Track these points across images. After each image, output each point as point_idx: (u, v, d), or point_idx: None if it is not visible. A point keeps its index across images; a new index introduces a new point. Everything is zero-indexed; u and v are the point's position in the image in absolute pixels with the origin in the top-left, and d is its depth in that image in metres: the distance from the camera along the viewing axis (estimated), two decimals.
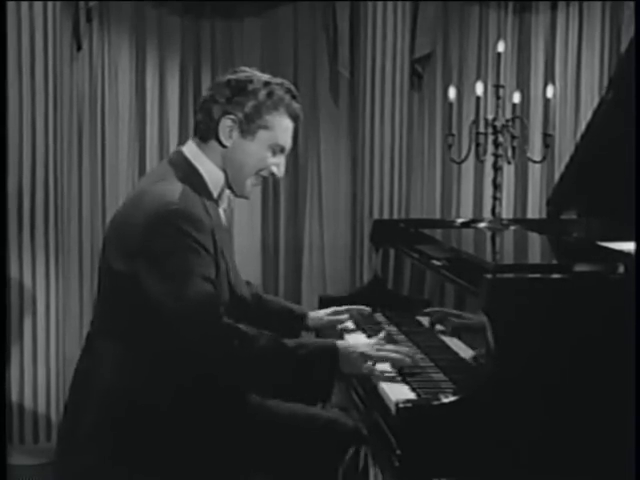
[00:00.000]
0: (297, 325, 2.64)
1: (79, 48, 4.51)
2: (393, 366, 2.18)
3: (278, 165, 2.27)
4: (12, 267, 4.11)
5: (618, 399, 1.89)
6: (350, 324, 2.72)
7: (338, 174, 4.89)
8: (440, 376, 2.17)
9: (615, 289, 1.93)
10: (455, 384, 2.07)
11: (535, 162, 4.41)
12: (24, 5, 4.06)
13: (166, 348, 2.05)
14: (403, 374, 2.16)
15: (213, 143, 2.22)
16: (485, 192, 4.84)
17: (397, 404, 1.86)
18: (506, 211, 4.78)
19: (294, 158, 4.79)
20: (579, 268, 2.02)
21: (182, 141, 2.34)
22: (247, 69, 2.27)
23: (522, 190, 4.98)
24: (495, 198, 4.16)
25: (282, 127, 2.23)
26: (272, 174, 2.28)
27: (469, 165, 4.69)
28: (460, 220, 3.27)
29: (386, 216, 4.59)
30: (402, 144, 4.66)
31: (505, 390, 1.86)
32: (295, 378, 2.09)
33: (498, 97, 4.12)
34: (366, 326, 2.71)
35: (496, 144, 4.12)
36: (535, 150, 4.65)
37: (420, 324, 2.50)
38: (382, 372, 2.16)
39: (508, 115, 4.19)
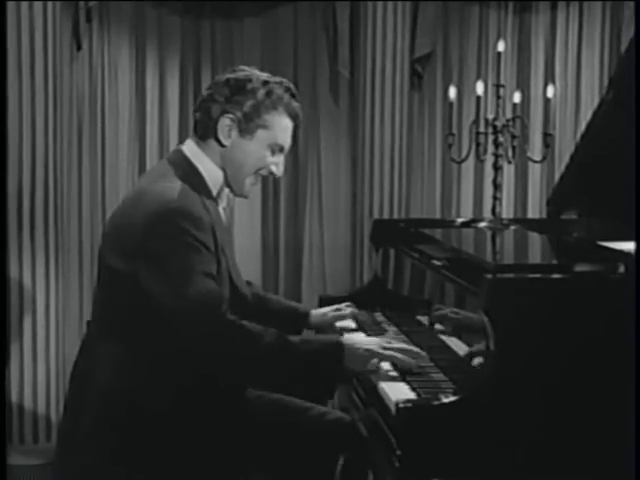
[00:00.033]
0: (299, 323, 2.64)
1: (79, 48, 4.51)
2: (395, 366, 2.18)
3: (277, 164, 2.27)
4: (12, 267, 4.11)
5: (618, 399, 1.89)
6: (351, 323, 2.72)
7: (338, 174, 4.89)
8: (440, 376, 2.16)
9: (615, 289, 1.92)
10: (455, 384, 2.07)
11: (535, 162, 4.41)
12: (24, 5, 4.06)
13: (168, 348, 2.04)
14: (403, 373, 2.15)
15: (212, 142, 2.22)
16: (485, 192, 4.84)
17: (397, 404, 1.86)
18: (506, 211, 4.78)
19: (294, 158, 4.79)
20: (579, 268, 2.01)
21: (182, 141, 2.34)
22: (246, 68, 2.27)
23: (522, 190, 4.98)
24: (495, 198, 4.16)
25: (281, 126, 2.23)
26: (271, 173, 2.28)
27: (469, 165, 4.69)
28: (460, 220, 3.26)
29: (386, 216, 4.59)
30: (402, 144, 4.66)
31: (505, 390, 1.86)
32: (300, 374, 2.08)
33: (498, 97, 4.12)
34: (366, 326, 2.71)
35: (496, 144, 4.12)
36: (535, 150, 4.65)
37: (420, 324, 2.50)
38: (385, 371, 2.16)
39: (508, 115, 4.20)
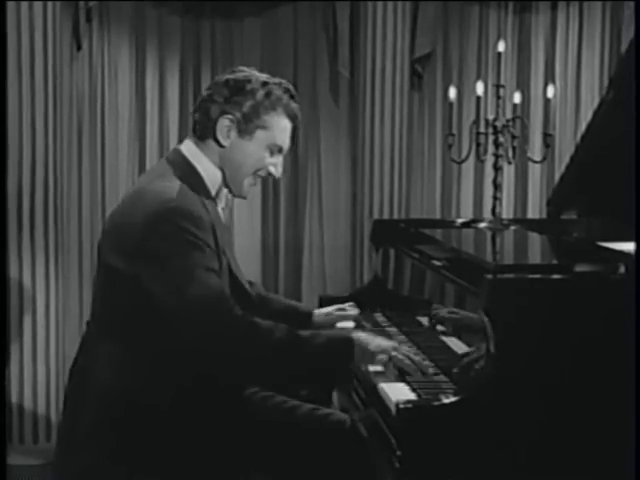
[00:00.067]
0: (302, 323, 2.64)
1: (79, 48, 4.51)
2: (394, 367, 2.18)
3: (276, 165, 2.27)
4: (12, 267, 4.11)
5: (618, 399, 1.89)
6: (351, 324, 2.72)
7: (338, 174, 4.89)
8: (440, 377, 2.16)
9: (615, 289, 1.92)
10: (455, 384, 2.07)
11: (535, 162, 4.41)
12: (24, 5, 4.06)
13: (171, 347, 2.04)
14: (403, 374, 2.15)
15: (211, 142, 2.22)
16: (485, 192, 4.84)
17: (397, 404, 1.86)
18: (506, 211, 4.78)
19: (294, 158, 4.79)
20: (579, 268, 2.01)
21: (182, 141, 2.34)
22: (245, 69, 2.27)
23: (522, 190, 4.97)
24: (495, 198, 4.16)
25: (280, 127, 2.23)
26: (270, 174, 2.27)
27: (469, 165, 4.68)
28: (460, 220, 3.27)
29: (386, 216, 4.58)
30: (402, 144, 4.66)
31: (505, 390, 1.86)
32: (310, 370, 2.09)
33: (498, 97, 4.12)
34: (367, 326, 2.71)
35: (496, 144, 4.12)
36: (535, 150, 4.65)
37: (420, 324, 2.50)
38: (382, 374, 2.16)
39: (508, 115, 4.20)
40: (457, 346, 2.16)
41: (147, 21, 4.65)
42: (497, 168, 4.13)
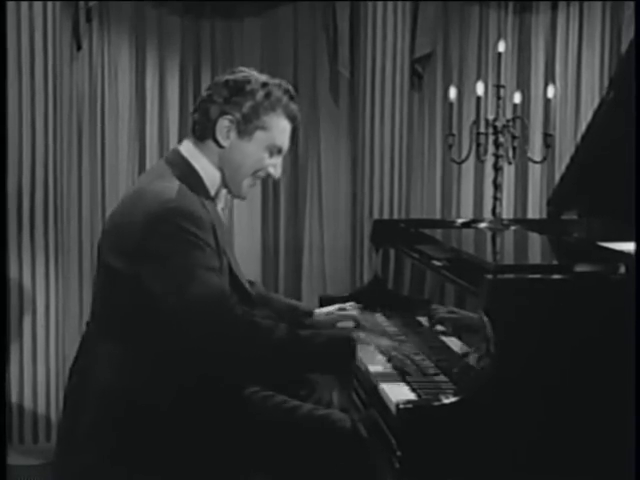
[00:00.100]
0: (303, 322, 2.64)
1: (79, 48, 4.51)
2: (396, 368, 2.18)
3: (275, 166, 2.27)
4: (12, 267, 4.11)
5: (618, 399, 1.89)
6: (351, 324, 2.71)
7: (338, 174, 4.89)
8: (440, 377, 2.16)
9: (616, 289, 1.92)
10: (455, 385, 2.07)
11: (535, 162, 4.41)
12: (24, 5, 4.06)
13: (172, 347, 2.04)
14: (403, 374, 2.15)
15: (210, 143, 2.22)
16: (485, 192, 4.84)
17: (397, 405, 1.86)
18: (506, 211, 4.78)
19: (294, 158, 4.79)
20: (580, 268, 2.01)
21: (181, 141, 2.34)
22: (245, 69, 2.27)
23: (522, 190, 4.97)
24: (495, 198, 4.16)
25: (279, 128, 2.23)
26: (269, 175, 2.27)
27: (469, 165, 4.68)
28: (460, 220, 3.26)
29: (386, 216, 4.58)
30: (402, 144, 4.66)
31: (505, 391, 1.86)
32: (310, 369, 2.10)
33: (498, 97, 4.12)
34: (367, 326, 2.70)
35: (496, 144, 4.13)
36: (535, 150, 4.64)
37: (420, 324, 2.49)
38: (382, 374, 2.16)
39: (509, 115, 4.20)
40: (457, 346, 2.16)
41: (147, 21, 4.64)
42: (497, 168, 4.13)
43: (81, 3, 4.41)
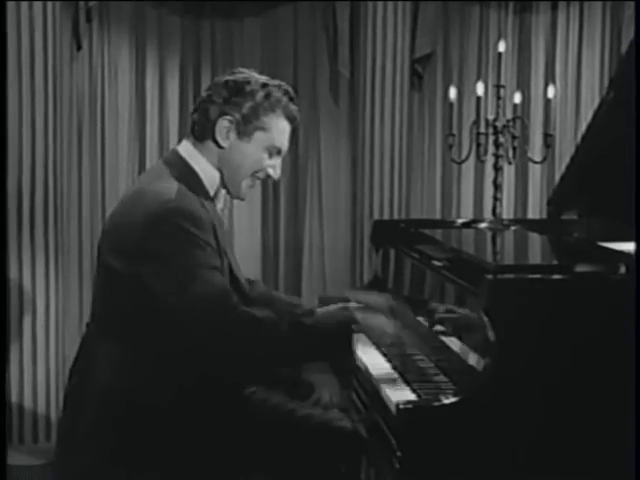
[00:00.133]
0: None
1: (79, 48, 4.51)
2: (395, 368, 2.17)
3: (274, 167, 2.27)
4: (11, 267, 4.11)
5: (619, 399, 1.88)
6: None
7: (338, 174, 4.89)
8: (440, 377, 2.16)
9: (616, 290, 1.92)
10: (455, 385, 2.06)
11: (536, 162, 4.41)
12: (24, 5, 4.06)
13: (173, 346, 2.04)
14: (402, 372, 2.16)
15: (209, 143, 2.22)
16: (485, 192, 4.84)
17: (397, 405, 1.86)
18: (506, 211, 4.78)
19: (294, 158, 4.79)
20: (580, 269, 2.01)
21: (181, 141, 2.34)
22: (245, 70, 2.27)
23: (522, 190, 4.97)
24: (495, 198, 4.16)
25: (279, 129, 2.23)
26: (268, 176, 2.27)
27: (469, 165, 4.68)
28: (460, 220, 3.26)
29: (386, 216, 4.58)
30: (402, 144, 4.66)
31: (506, 391, 1.86)
32: (317, 355, 2.13)
33: (499, 97, 4.12)
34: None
35: (497, 144, 4.13)
36: (536, 150, 4.64)
37: (420, 324, 2.49)
38: (382, 375, 2.16)
39: (509, 115, 4.20)
40: (457, 346, 2.15)
41: (147, 21, 4.65)
42: (497, 168, 4.13)
43: (81, 3, 4.41)
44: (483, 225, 3.12)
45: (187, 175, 2.18)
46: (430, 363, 2.26)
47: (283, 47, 4.79)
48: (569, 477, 1.90)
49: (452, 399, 1.85)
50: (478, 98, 4.09)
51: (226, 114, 2.19)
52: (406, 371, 2.20)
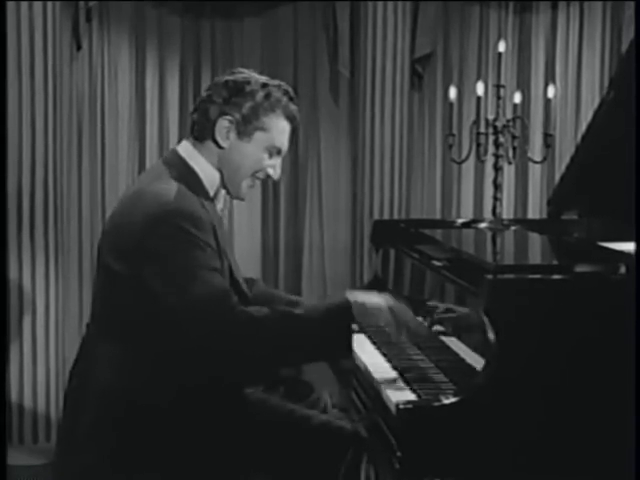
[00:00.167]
0: None
1: (79, 48, 4.51)
2: (396, 368, 2.17)
3: (274, 167, 2.27)
4: (11, 267, 4.11)
5: (619, 399, 1.88)
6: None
7: (338, 174, 4.89)
8: (440, 377, 2.16)
9: (616, 290, 1.92)
10: (455, 385, 2.06)
11: (536, 162, 4.41)
12: (24, 5, 4.06)
13: (173, 347, 2.04)
14: (401, 372, 2.15)
15: (209, 143, 2.22)
16: (485, 192, 4.84)
17: (397, 405, 1.86)
18: (506, 211, 4.78)
19: (294, 158, 4.79)
20: (580, 269, 2.01)
21: (180, 141, 2.34)
22: (245, 70, 2.27)
23: (523, 190, 4.97)
24: (495, 198, 4.16)
25: (279, 129, 2.23)
26: (268, 176, 2.27)
27: (469, 165, 4.68)
28: (460, 220, 3.26)
29: (386, 216, 4.58)
30: (402, 144, 4.66)
31: (506, 391, 1.86)
32: (316, 344, 2.11)
33: (499, 97, 4.12)
34: (367, 328, 2.70)
35: (497, 144, 4.13)
36: (536, 150, 4.64)
37: (420, 324, 2.49)
38: (382, 375, 2.16)
39: (509, 115, 4.20)
40: (457, 347, 2.15)
41: (147, 21, 4.65)
42: (497, 168, 4.13)
43: (81, 3, 4.41)
44: (483, 225, 3.12)
45: (187, 175, 2.18)
46: (430, 363, 2.26)
47: (283, 47, 4.79)
48: (569, 477, 1.90)
49: (452, 399, 1.85)
50: (478, 98, 4.09)
51: (226, 114, 2.19)
52: (406, 371, 2.20)
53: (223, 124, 2.19)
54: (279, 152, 2.26)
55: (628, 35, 4.64)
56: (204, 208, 2.14)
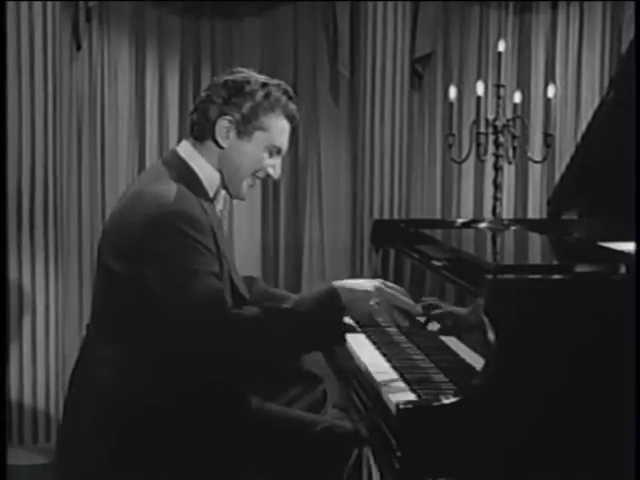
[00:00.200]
0: None
1: (79, 48, 4.51)
2: (396, 369, 2.17)
3: (274, 167, 2.26)
4: (11, 267, 4.11)
5: (619, 400, 1.88)
6: (351, 321, 2.71)
7: (338, 174, 4.89)
8: (440, 377, 2.16)
9: (616, 290, 1.92)
10: (455, 385, 2.06)
11: (536, 162, 4.41)
12: (24, 5, 4.06)
13: (174, 348, 2.04)
14: (401, 372, 2.15)
15: (209, 143, 2.21)
16: (485, 192, 4.84)
17: (397, 405, 1.86)
18: (506, 211, 4.78)
19: (294, 158, 4.79)
20: (580, 269, 2.01)
21: (180, 141, 2.34)
22: (244, 70, 2.27)
23: (523, 190, 4.97)
24: (495, 198, 4.16)
25: (278, 128, 2.23)
26: (268, 176, 2.27)
27: (469, 165, 4.68)
28: (460, 220, 3.26)
29: (386, 216, 4.59)
30: (402, 144, 4.66)
31: (506, 391, 1.86)
32: (309, 335, 2.11)
33: (499, 97, 4.12)
34: (367, 327, 2.70)
35: (497, 144, 4.13)
36: (536, 150, 4.64)
37: (421, 324, 2.49)
38: (382, 375, 2.15)
39: (509, 115, 4.20)
40: (457, 347, 2.15)
41: (147, 21, 4.65)
42: (497, 168, 4.13)
43: (81, 3, 4.41)
44: (483, 225, 3.12)
45: (186, 176, 2.18)
46: (430, 363, 2.26)
47: (283, 47, 4.79)
48: (569, 477, 1.90)
49: (452, 399, 1.84)
50: (478, 98, 4.09)
51: (226, 114, 2.19)
52: (406, 371, 2.19)
53: (223, 124, 2.19)
54: (279, 151, 2.26)
55: (628, 35, 4.64)
56: (203, 209, 2.14)
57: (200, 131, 2.22)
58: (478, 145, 4.15)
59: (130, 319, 2.08)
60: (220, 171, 2.23)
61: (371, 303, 2.15)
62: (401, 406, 1.85)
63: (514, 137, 4.14)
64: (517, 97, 4.15)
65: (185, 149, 2.23)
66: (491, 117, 4.15)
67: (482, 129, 4.14)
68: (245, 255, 4.63)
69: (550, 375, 1.87)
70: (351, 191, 4.86)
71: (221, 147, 2.20)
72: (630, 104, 2.57)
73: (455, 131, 4.30)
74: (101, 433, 2.08)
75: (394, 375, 2.16)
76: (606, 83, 4.74)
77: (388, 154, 4.63)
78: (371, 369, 2.24)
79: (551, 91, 4.12)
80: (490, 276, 1.91)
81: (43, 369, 4.18)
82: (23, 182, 4.11)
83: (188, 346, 2.03)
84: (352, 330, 2.65)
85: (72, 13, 4.44)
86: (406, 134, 4.68)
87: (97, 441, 2.08)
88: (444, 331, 2.26)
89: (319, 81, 4.84)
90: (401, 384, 2.10)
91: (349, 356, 2.45)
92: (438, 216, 4.89)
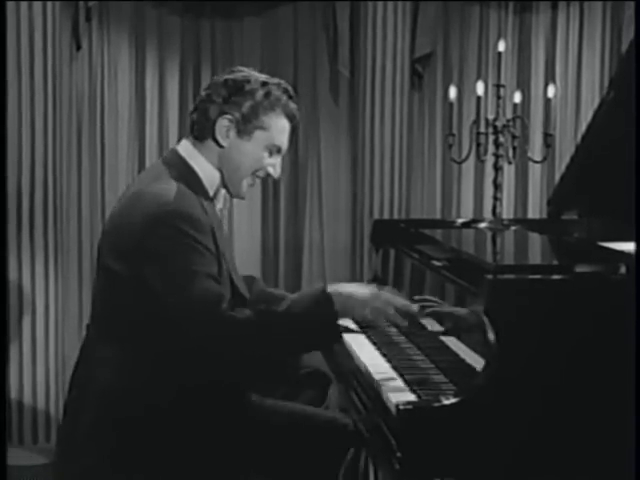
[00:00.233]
0: None
1: (78, 48, 4.51)
2: (396, 369, 2.17)
3: (274, 166, 2.26)
4: (11, 267, 4.11)
5: (619, 400, 1.88)
6: (351, 323, 2.71)
7: (338, 174, 4.89)
8: (440, 377, 2.16)
9: (616, 290, 1.92)
10: (456, 385, 2.06)
11: (536, 162, 4.41)
12: (24, 5, 4.06)
13: (172, 348, 2.04)
14: (401, 373, 2.15)
15: (209, 143, 2.21)
16: (485, 192, 4.84)
17: (397, 405, 1.86)
18: (506, 211, 4.78)
19: (294, 158, 4.79)
20: (580, 269, 2.01)
21: (180, 141, 2.33)
22: (244, 69, 2.27)
23: (523, 190, 4.97)
24: (496, 198, 4.16)
25: (278, 128, 2.23)
26: (268, 175, 2.27)
27: (469, 165, 4.68)
28: (460, 220, 3.26)
29: (386, 216, 4.58)
30: (402, 144, 4.66)
31: (506, 391, 1.86)
32: (303, 337, 2.10)
33: (499, 97, 4.12)
34: (367, 328, 2.70)
35: (497, 144, 4.13)
36: (536, 150, 4.64)
37: (420, 325, 2.49)
38: (382, 375, 2.15)
39: (509, 115, 4.20)
40: (457, 347, 2.15)
41: (147, 21, 4.64)
42: (497, 168, 4.13)
43: (81, 3, 4.41)
44: (483, 225, 3.12)
45: (186, 175, 2.18)
46: (430, 363, 2.26)
47: (283, 47, 4.79)
48: (569, 477, 1.90)
49: (452, 400, 1.84)
50: (478, 98, 4.09)
51: (226, 113, 2.18)
52: (406, 372, 2.19)
53: (223, 123, 2.19)
54: (279, 151, 2.26)
55: (628, 35, 4.64)
56: (203, 209, 2.14)
57: (200, 130, 2.22)
58: (478, 145, 4.15)
59: (130, 319, 2.08)
60: (220, 170, 2.23)
61: (367, 311, 2.13)
62: (401, 407, 1.85)
63: (514, 137, 4.14)
64: (517, 97, 4.15)
65: (185, 148, 2.23)
66: (491, 117, 4.15)
67: (482, 129, 4.14)
68: (245, 255, 4.63)
69: (550, 375, 1.87)
70: (351, 191, 4.86)
71: (221, 146, 2.20)
72: (630, 104, 2.57)
73: (455, 131, 4.30)
74: (101, 433, 2.08)
75: (394, 375, 2.16)
76: (606, 83, 4.74)
77: (388, 154, 4.62)
78: (371, 369, 2.24)
79: (551, 91, 4.12)
80: (490, 276, 1.91)
81: (43, 369, 4.18)
82: (23, 182, 4.11)
83: (187, 346, 2.03)
84: (348, 331, 2.65)
85: (72, 13, 4.43)
86: (406, 134, 4.68)
87: (97, 441, 2.08)
88: (444, 331, 2.26)
89: (319, 81, 4.84)
90: (401, 384, 2.10)
91: (349, 356, 2.45)
92: (438, 216, 4.89)
